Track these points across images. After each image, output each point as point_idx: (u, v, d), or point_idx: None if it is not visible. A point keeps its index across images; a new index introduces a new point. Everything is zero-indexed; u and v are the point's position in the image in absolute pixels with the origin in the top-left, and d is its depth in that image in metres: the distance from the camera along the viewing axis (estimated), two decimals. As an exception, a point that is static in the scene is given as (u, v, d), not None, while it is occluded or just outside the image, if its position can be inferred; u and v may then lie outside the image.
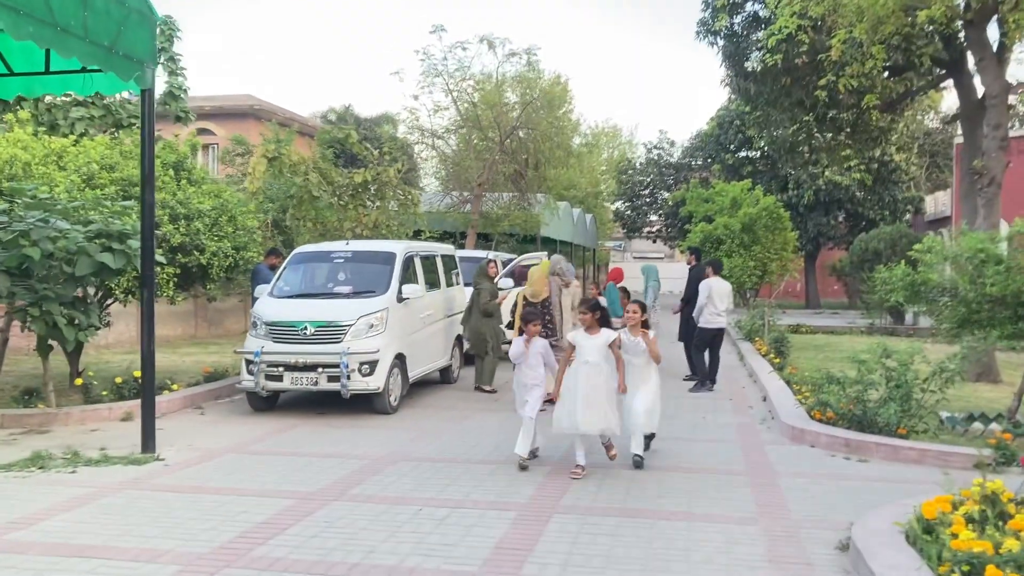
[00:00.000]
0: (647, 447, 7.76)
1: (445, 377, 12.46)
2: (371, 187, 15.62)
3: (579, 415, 7.11)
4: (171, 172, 11.20)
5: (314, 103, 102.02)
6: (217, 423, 9.56)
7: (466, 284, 13.56)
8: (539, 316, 8.35)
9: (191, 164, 11.64)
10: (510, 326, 11.21)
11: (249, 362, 9.86)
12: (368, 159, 15.71)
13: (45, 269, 8.54)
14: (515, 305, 11.03)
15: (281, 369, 9.79)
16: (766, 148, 35.08)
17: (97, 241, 8.66)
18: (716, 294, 12.36)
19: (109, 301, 10.95)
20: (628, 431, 7.53)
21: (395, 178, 15.50)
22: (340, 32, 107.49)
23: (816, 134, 20.41)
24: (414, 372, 10.82)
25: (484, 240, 27.08)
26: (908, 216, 37.50)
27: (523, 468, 7.37)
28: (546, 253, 16.02)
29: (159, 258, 9.00)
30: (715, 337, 12.54)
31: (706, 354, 12.54)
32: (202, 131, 32.98)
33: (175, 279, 10.84)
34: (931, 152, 40.74)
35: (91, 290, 9.93)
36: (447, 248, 13.39)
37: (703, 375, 12.40)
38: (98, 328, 9.31)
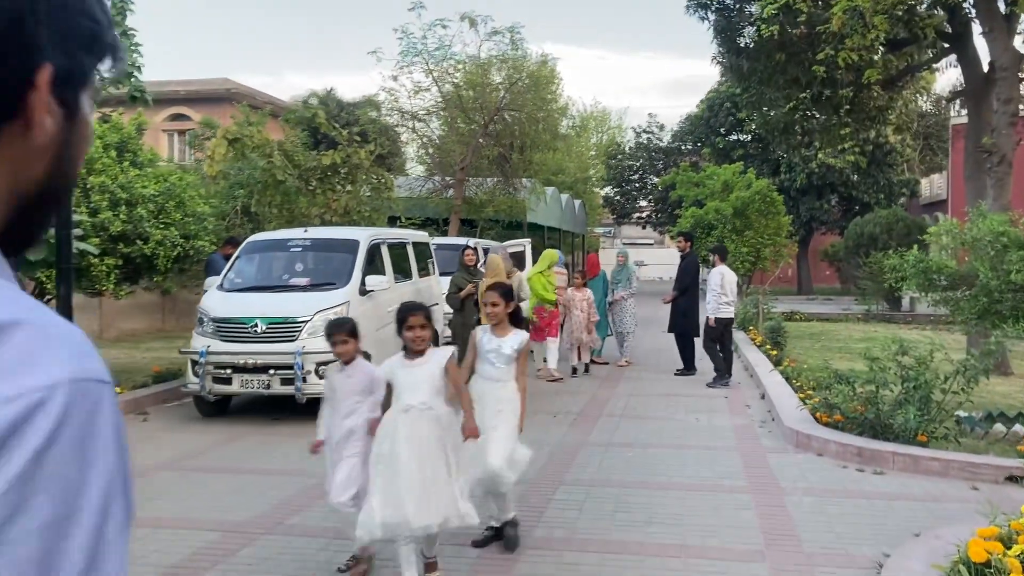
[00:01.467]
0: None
1: (418, 375, 11.50)
2: (341, 170, 14.60)
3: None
4: (113, 153, 10.19)
5: (296, 88, 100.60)
6: (158, 432, 8.60)
7: (444, 274, 12.62)
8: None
9: (136, 145, 10.62)
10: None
11: (195, 363, 8.90)
12: (338, 139, 14.71)
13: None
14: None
15: (229, 371, 8.83)
16: (758, 130, 34.16)
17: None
18: (728, 282, 11.62)
19: (46, 298, 9.96)
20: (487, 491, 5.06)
21: (367, 160, 14.48)
22: (325, 13, 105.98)
23: (812, 114, 19.47)
24: (381, 371, 9.85)
25: (468, 227, 26.10)
26: (903, 200, 36.68)
27: None
28: (529, 240, 15.07)
29: (89, 248, 8.02)
30: (727, 327, 11.85)
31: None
32: (177, 116, 31.98)
33: (116, 271, 9.84)
34: (925, 134, 39.90)
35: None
36: (419, 235, 12.42)
37: (720, 368, 11.56)
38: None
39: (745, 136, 37.14)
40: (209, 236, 10.96)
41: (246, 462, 7.31)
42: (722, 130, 37.46)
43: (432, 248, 12.83)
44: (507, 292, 5.39)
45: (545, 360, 12.06)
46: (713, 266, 11.99)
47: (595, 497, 6.22)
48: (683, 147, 41.57)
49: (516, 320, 5.32)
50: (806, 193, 35.22)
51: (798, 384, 10.35)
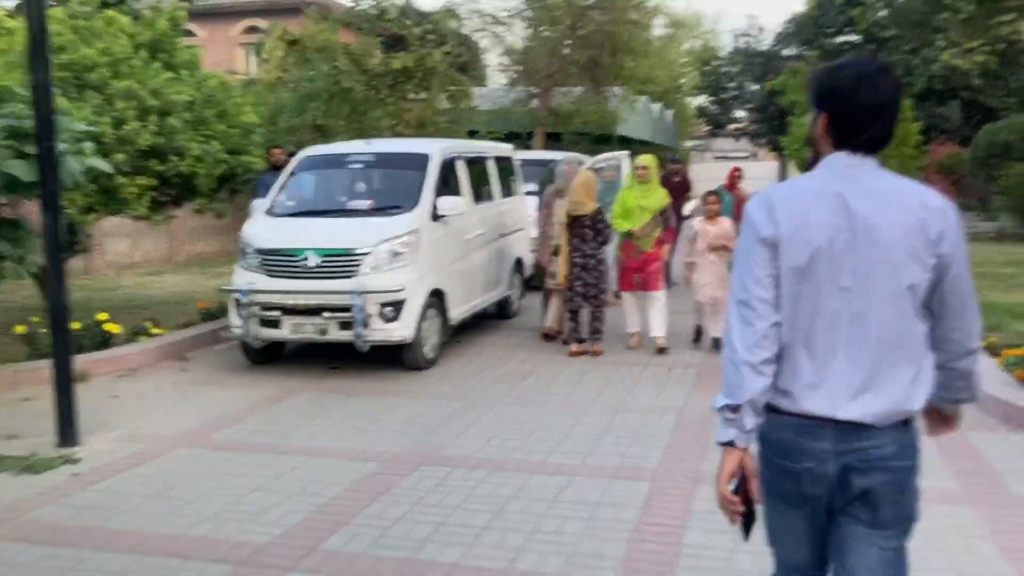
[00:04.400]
0: None
1: (502, 311, 9.87)
2: (415, 76, 12.83)
3: None
4: (144, 54, 8.60)
5: None
6: (193, 386, 7.18)
7: (530, 193, 10.85)
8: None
9: (172, 43, 9.01)
10: (556, 252, 8.46)
11: (238, 303, 7.41)
12: (410, 39, 12.91)
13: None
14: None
15: (278, 313, 7.32)
16: (874, 29, 30.84)
17: (5, 144, 6.16)
18: None
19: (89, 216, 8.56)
20: None
21: (442, 64, 12.66)
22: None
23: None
24: (458, 311, 8.24)
25: (554, 140, 24.09)
26: (1035, 105, 32.88)
27: None
28: (627, 153, 13.09)
29: (102, 165, 6.49)
30: None
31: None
32: (252, 29, 30.61)
33: (150, 192, 8.36)
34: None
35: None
36: (502, 148, 10.60)
37: None
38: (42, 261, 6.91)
39: (856, 37, 33.72)
40: (259, 151, 9.37)
41: (291, 434, 5.79)
42: (831, 30, 34.09)
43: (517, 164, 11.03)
44: None
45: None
46: None
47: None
48: (785, 51, 38.27)
49: None
50: (926, 99, 31.81)
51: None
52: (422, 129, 12.89)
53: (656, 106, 32.28)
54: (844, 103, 2.18)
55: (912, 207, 2.14)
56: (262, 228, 7.77)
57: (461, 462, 5.20)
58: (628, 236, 8.16)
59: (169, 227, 16.10)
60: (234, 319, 7.49)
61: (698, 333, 8.43)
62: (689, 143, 50.50)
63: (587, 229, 7.95)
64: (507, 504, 4.54)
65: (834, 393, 2.16)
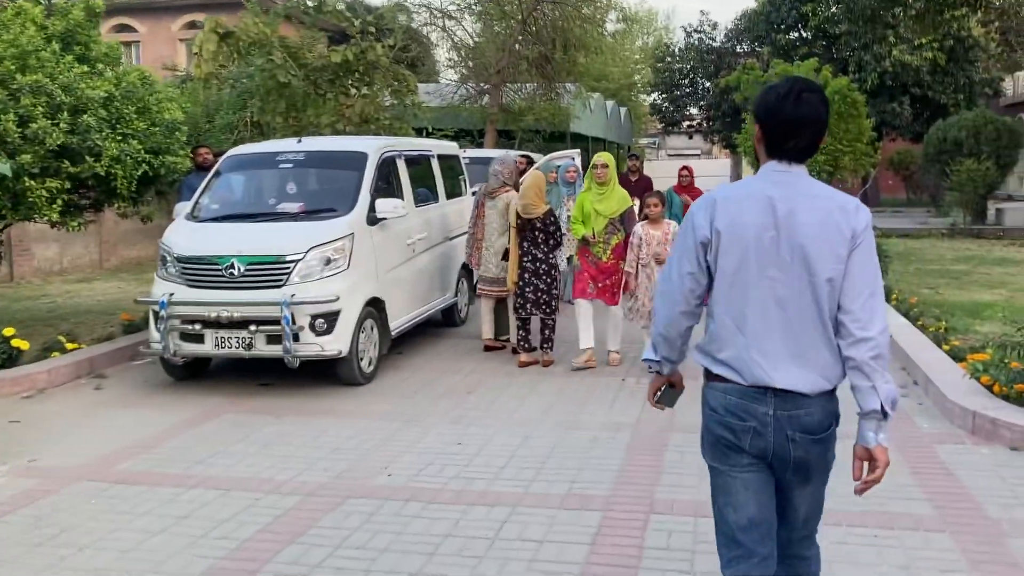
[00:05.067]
0: None
1: (449, 318, 9.38)
2: (355, 70, 12.25)
3: None
4: (56, 46, 7.94)
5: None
6: (106, 408, 6.59)
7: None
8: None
9: (87, 35, 8.35)
10: (505, 257, 8.01)
11: (156, 315, 6.83)
12: (349, 31, 12.33)
13: None
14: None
15: (199, 326, 6.75)
16: (828, 24, 30.92)
17: None
18: None
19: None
20: None
21: (384, 57, 12.10)
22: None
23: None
24: (399, 321, 7.73)
25: (506, 138, 23.63)
26: (983, 101, 33.20)
27: None
28: (578, 151, 12.68)
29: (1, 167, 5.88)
30: None
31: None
32: (192, 24, 29.79)
33: (63, 196, 7.72)
34: (1002, 29, 36.00)
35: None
36: (447, 146, 10.11)
37: None
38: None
39: (808, 33, 33.70)
40: (184, 151, 8.75)
41: (206, 462, 5.25)
42: (782, 27, 34.02)
43: (464, 163, 10.55)
44: None
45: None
46: None
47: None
48: (738, 47, 38.18)
49: None
50: (877, 95, 31.87)
51: (933, 329, 8.06)
52: (365, 126, 12.31)
53: (610, 103, 32.00)
54: (772, 118, 2.52)
55: (830, 209, 2.47)
56: (183, 234, 7.19)
57: (393, 493, 4.71)
58: (584, 243, 7.50)
59: (100, 231, 15.34)
60: (153, 333, 6.90)
61: None
62: (643, 141, 50.40)
63: (538, 232, 7.47)
64: (441, 545, 4.06)
65: (770, 366, 2.48)
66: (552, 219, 7.51)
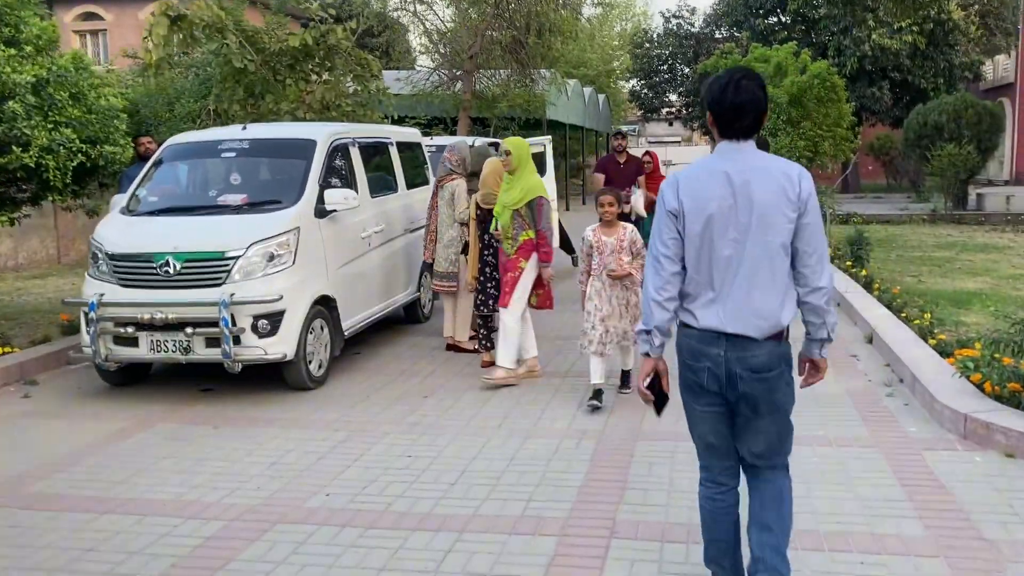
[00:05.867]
0: None
1: (412, 314, 8.90)
2: (316, 54, 11.70)
3: None
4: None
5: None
6: (31, 419, 6.07)
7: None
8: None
9: (15, 16, 7.77)
10: (465, 250, 7.52)
11: (87, 316, 6.31)
12: (308, 13, 11.77)
13: None
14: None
15: (132, 329, 6.24)
16: (807, 7, 30.50)
17: None
18: None
19: None
20: None
21: (345, 40, 11.56)
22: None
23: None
24: (353, 320, 7.25)
25: (480, 126, 23.12)
26: (963, 85, 32.92)
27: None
28: (548, 138, 12.20)
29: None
30: None
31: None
32: (89, 16, 29.42)
33: (-10, 190, 7.19)
34: (982, 13, 35.73)
35: None
36: (407, 132, 9.60)
37: None
38: None
39: (787, 18, 33.28)
40: (125, 140, 8.20)
41: (126, 484, 4.76)
42: (761, 11, 33.60)
43: (428, 150, 10.06)
44: None
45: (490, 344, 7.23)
46: None
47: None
48: (717, 33, 37.74)
49: None
50: (856, 80, 31.53)
51: (916, 322, 7.67)
52: (326, 113, 11.78)
53: (588, 90, 31.53)
54: (718, 104, 2.93)
55: (777, 177, 2.88)
56: (116, 229, 6.67)
57: (329, 517, 4.24)
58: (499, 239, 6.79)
59: (57, 225, 14.75)
60: (84, 336, 6.39)
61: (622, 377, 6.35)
62: (623, 128, 49.99)
63: None
64: (374, 581, 3.59)
65: (725, 314, 2.91)
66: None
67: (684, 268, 2.97)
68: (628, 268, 5.87)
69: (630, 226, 6.09)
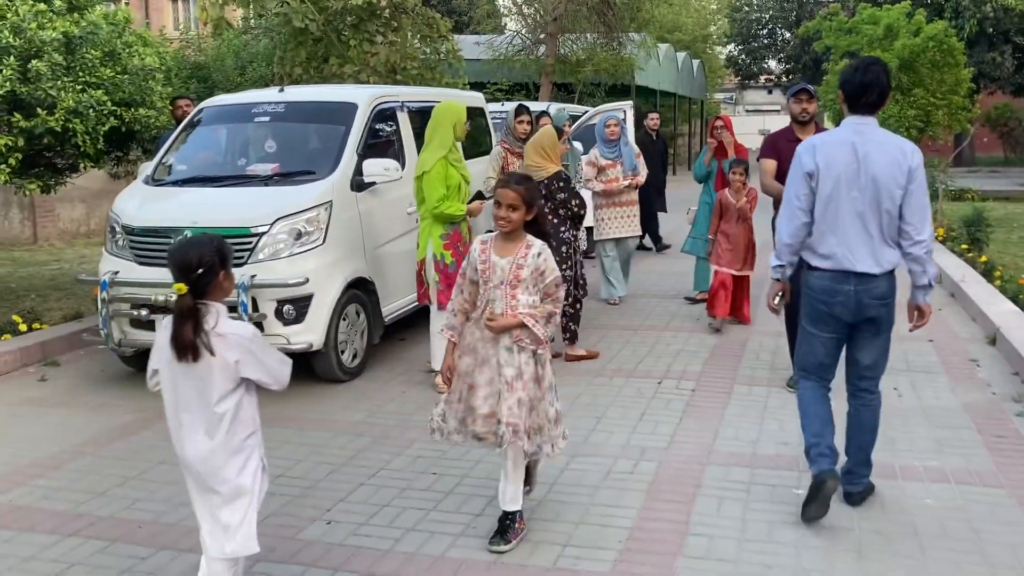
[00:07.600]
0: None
1: (469, 296, 8.14)
2: (381, 14, 10.98)
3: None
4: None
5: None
6: (37, 408, 5.55)
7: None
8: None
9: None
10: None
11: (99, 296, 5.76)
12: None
13: None
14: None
15: (146, 311, 5.65)
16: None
17: None
18: None
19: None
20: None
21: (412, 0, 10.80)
22: None
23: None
24: (395, 305, 6.52)
25: (564, 91, 22.11)
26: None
27: None
28: (630, 103, 11.20)
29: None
30: None
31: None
32: None
33: (16, 155, 6.68)
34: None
35: None
36: (468, 96, 8.76)
37: None
38: None
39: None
40: (163, 102, 7.63)
41: (107, 497, 4.14)
42: (872, -31, 31.39)
43: (500, 116, 9.23)
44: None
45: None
46: None
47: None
48: (822, -6, 35.64)
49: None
50: (975, 44, 29.17)
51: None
52: (392, 76, 11.06)
53: (681, 55, 30.05)
54: (847, 83, 3.71)
55: (892, 151, 3.63)
56: (135, 200, 6.08)
57: (320, 558, 3.53)
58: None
59: (82, 196, 14.37)
60: (99, 318, 5.84)
61: None
62: (719, 96, 47.92)
63: (545, 201, 6.04)
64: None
65: (852, 257, 3.67)
66: (560, 184, 6.09)
67: (812, 219, 3.71)
68: (521, 316, 3.53)
69: (538, 244, 3.62)
